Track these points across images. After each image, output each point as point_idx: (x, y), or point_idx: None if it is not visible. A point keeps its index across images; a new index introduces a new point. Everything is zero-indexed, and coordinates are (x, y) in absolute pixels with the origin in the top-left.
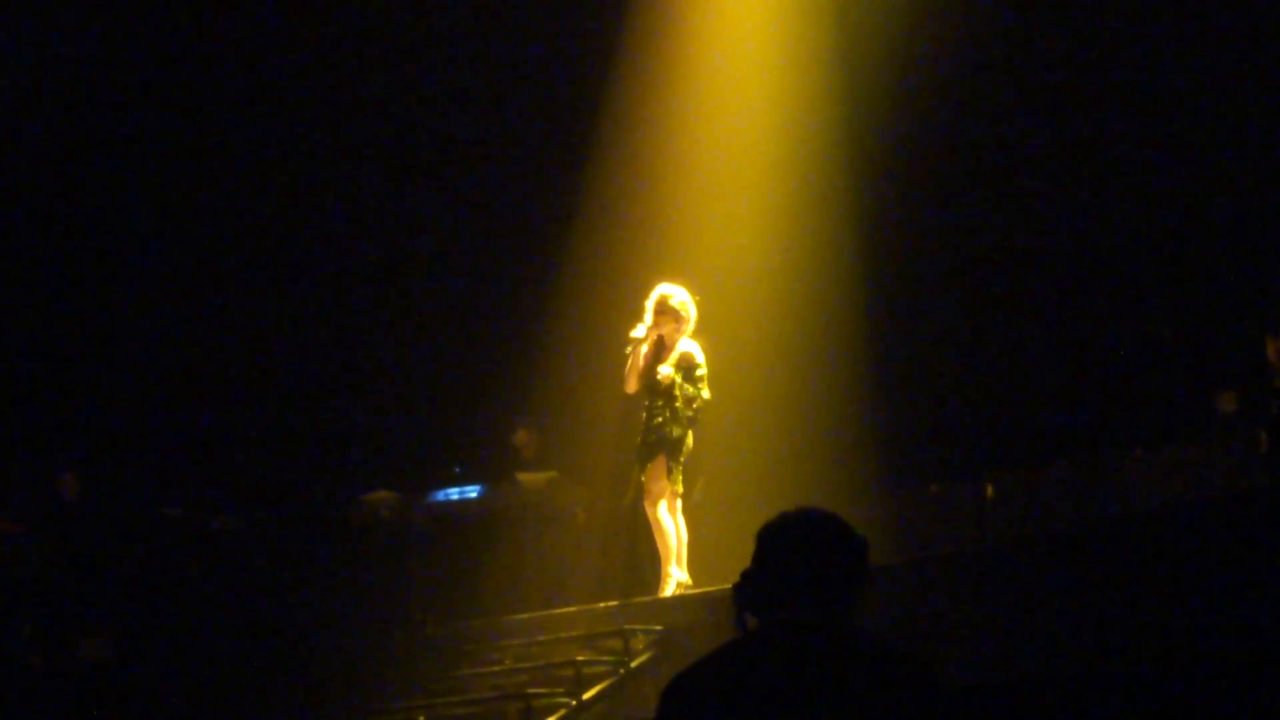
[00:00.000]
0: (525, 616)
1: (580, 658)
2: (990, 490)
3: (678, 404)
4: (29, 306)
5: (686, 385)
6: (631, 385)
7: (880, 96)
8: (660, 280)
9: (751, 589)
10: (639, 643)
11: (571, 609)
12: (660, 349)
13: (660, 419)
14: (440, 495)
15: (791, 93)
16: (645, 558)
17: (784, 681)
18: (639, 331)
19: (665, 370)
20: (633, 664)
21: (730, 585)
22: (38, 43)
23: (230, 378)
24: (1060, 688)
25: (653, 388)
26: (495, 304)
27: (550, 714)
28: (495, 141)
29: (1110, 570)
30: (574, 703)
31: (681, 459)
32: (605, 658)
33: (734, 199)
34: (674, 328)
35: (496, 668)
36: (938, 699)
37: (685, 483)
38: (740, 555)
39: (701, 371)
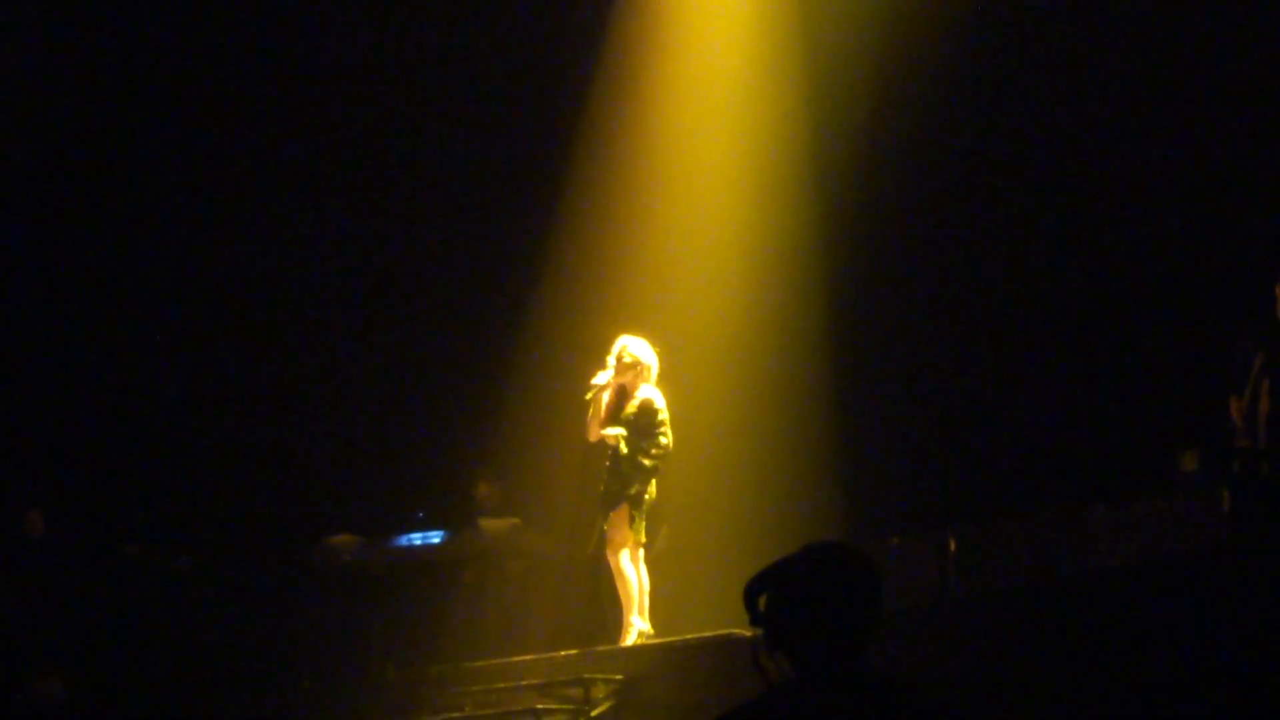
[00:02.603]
0: (486, 663)
1: (540, 705)
2: (953, 544)
3: (627, 461)
4: None
5: (640, 440)
6: (593, 434)
7: (850, 145)
8: (623, 331)
9: (790, 632)
10: (599, 691)
11: (532, 656)
12: (622, 397)
13: (622, 469)
14: (402, 540)
15: (759, 141)
16: (607, 606)
17: None
18: (600, 379)
19: (612, 431)
20: (593, 713)
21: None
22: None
23: (196, 419)
24: None
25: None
26: (459, 349)
27: None
28: (459, 191)
29: (1072, 625)
30: None
31: (644, 508)
32: (565, 706)
33: (698, 249)
34: (634, 376)
35: (456, 714)
36: None
37: (648, 531)
38: (703, 604)
39: (663, 418)
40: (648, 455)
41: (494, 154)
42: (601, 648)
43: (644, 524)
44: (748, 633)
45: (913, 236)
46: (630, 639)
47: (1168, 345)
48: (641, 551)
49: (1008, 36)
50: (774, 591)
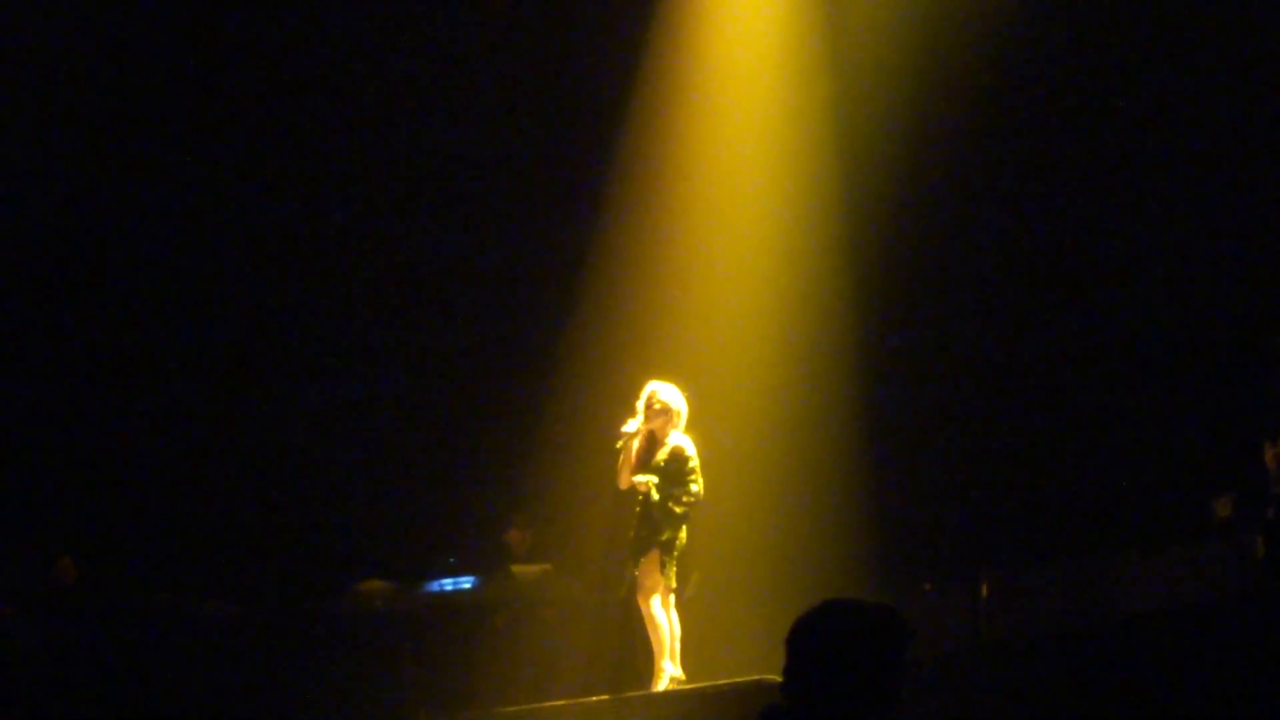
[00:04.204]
0: (517, 709)
1: None
2: (985, 589)
3: (658, 508)
4: (28, 390)
5: (671, 487)
6: (624, 480)
7: (884, 181)
8: (653, 377)
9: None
10: None
11: (564, 702)
12: (653, 444)
13: (653, 515)
14: (434, 586)
15: (790, 181)
16: (638, 652)
17: None
18: (631, 426)
19: (642, 478)
20: None
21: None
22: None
23: (227, 465)
24: None
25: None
26: (491, 395)
27: None
28: (492, 236)
29: (1104, 673)
30: None
31: (675, 554)
32: None
33: (728, 293)
34: (664, 422)
35: None
36: None
37: (679, 577)
38: (734, 649)
39: (693, 464)
40: (679, 502)
41: (527, 198)
42: (633, 693)
43: (675, 569)
44: (779, 678)
45: (946, 279)
46: (662, 684)
47: (1202, 391)
48: (673, 597)
49: (1051, 44)
50: (790, 652)
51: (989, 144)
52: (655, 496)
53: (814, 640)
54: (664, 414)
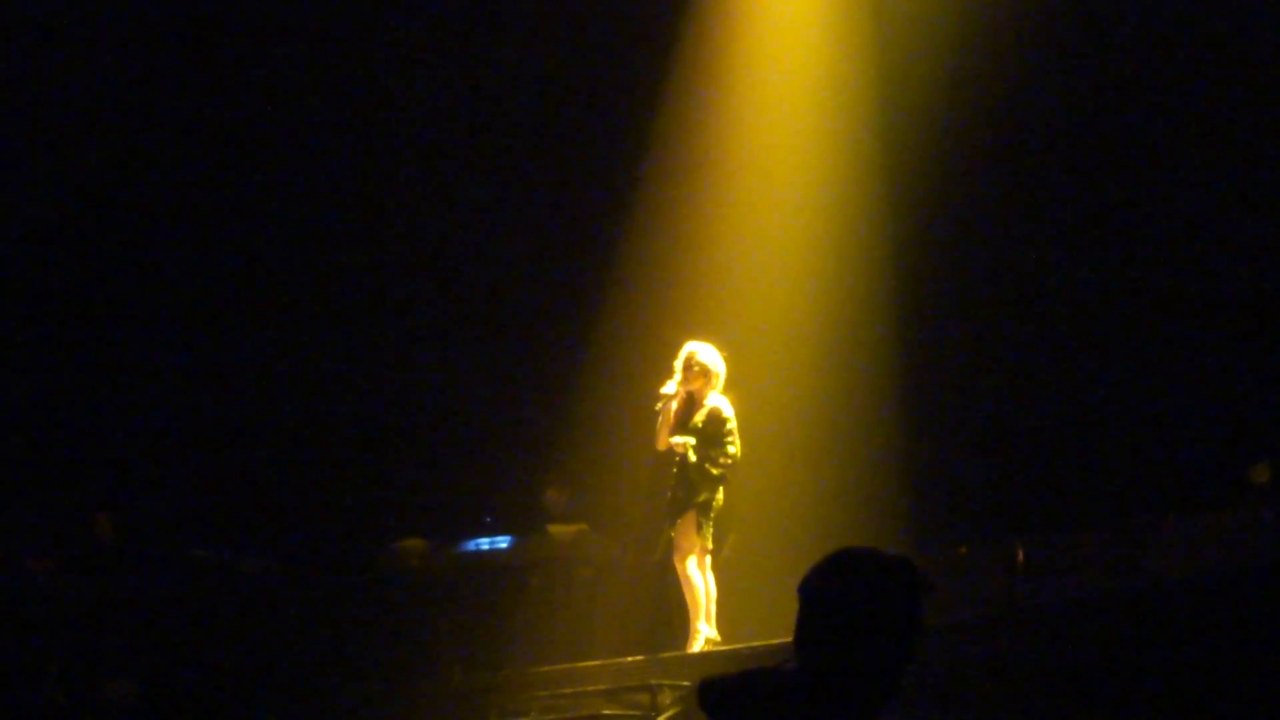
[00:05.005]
0: (552, 668)
1: (606, 711)
2: (1021, 554)
3: (695, 469)
4: (66, 346)
5: (708, 449)
6: (662, 442)
7: (924, 146)
8: (690, 337)
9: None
10: (665, 697)
11: (598, 662)
12: (691, 405)
13: (690, 477)
14: (470, 545)
15: (829, 144)
16: (674, 613)
17: None
18: (669, 388)
19: (678, 440)
20: (658, 719)
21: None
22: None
23: (265, 423)
24: None
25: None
26: (528, 356)
27: None
28: (531, 200)
29: (1140, 638)
30: None
31: (711, 515)
32: (631, 712)
33: (766, 254)
34: (703, 384)
35: (523, 719)
36: None
37: (715, 538)
38: (769, 610)
39: (731, 426)
40: (715, 464)
41: (564, 164)
42: (668, 654)
43: (711, 531)
44: None
45: (986, 243)
46: (697, 645)
47: (1239, 356)
48: (709, 558)
49: (1092, 26)
50: (803, 602)
51: (1034, 86)
52: (692, 458)
53: (827, 589)
54: (702, 375)
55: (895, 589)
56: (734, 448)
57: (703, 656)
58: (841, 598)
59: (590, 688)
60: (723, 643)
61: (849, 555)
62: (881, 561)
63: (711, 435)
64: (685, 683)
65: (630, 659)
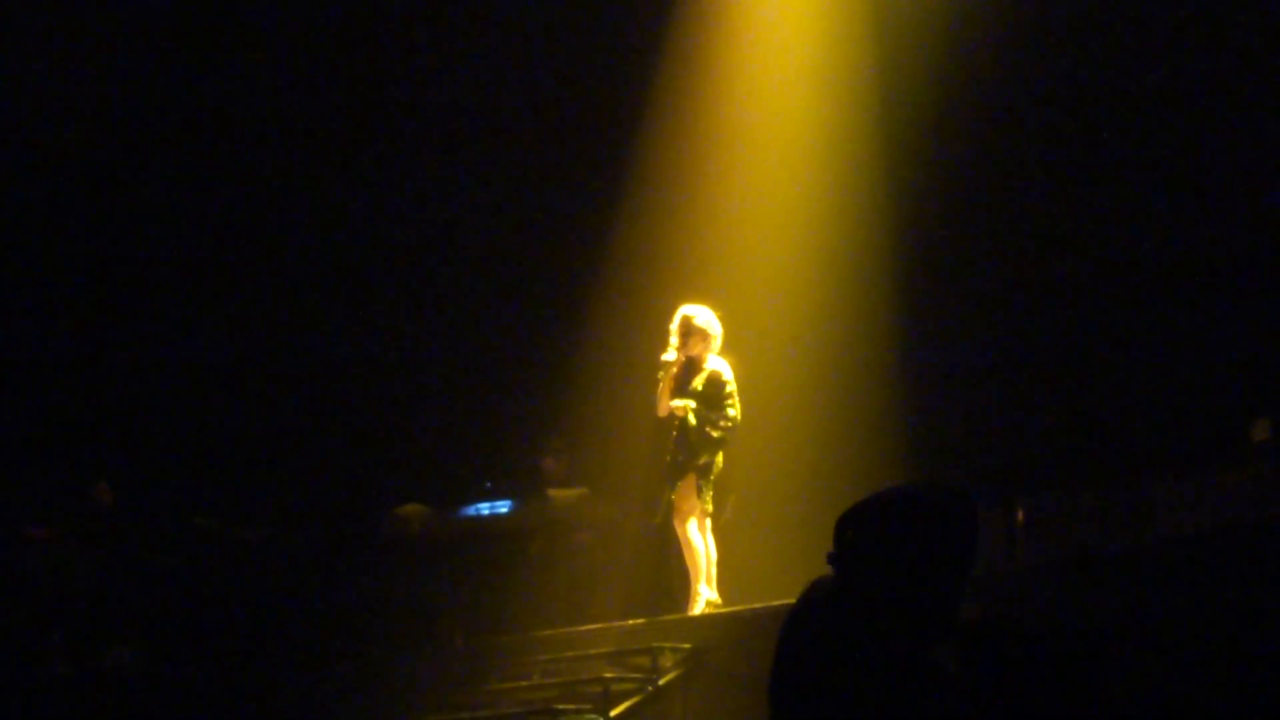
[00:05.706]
0: (553, 632)
1: (608, 674)
2: (1021, 514)
3: (695, 432)
4: (65, 314)
5: (708, 412)
6: (663, 409)
7: (920, 114)
8: (688, 301)
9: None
10: (667, 660)
11: (600, 625)
12: (690, 368)
13: (690, 440)
14: (471, 510)
15: (827, 108)
16: (675, 576)
17: None
18: (670, 355)
19: (678, 403)
20: (661, 681)
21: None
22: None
23: (264, 389)
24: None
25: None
26: (527, 320)
27: None
28: (525, 163)
29: (1140, 595)
30: (601, 719)
31: (711, 478)
32: (633, 675)
33: (763, 217)
34: (702, 347)
35: (524, 683)
36: None
37: (715, 501)
38: (770, 573)
39: (731, 389)
40: (715, 426)
41: (561, 128)
42: (669, 617)
43: (711, 494)
44: None
45: (983, 203)
46: (698, 608)
47: (1238, 312)
48: (709, 521)
49: (1091, 14)
50: (858, 529)
51: (1027, 64)
52: (693, 421)
53: (887, 522)
54: (701, 338)
55: (956, 520)
56: (734, 411)
57: (703, 619)
58: (902, 530)
59: (591, 651)
60: (723, 605)
61: (906, 490)
62: (941, 494)
63: (711, 398)
64: (686, 645)
65: (631, 622)
